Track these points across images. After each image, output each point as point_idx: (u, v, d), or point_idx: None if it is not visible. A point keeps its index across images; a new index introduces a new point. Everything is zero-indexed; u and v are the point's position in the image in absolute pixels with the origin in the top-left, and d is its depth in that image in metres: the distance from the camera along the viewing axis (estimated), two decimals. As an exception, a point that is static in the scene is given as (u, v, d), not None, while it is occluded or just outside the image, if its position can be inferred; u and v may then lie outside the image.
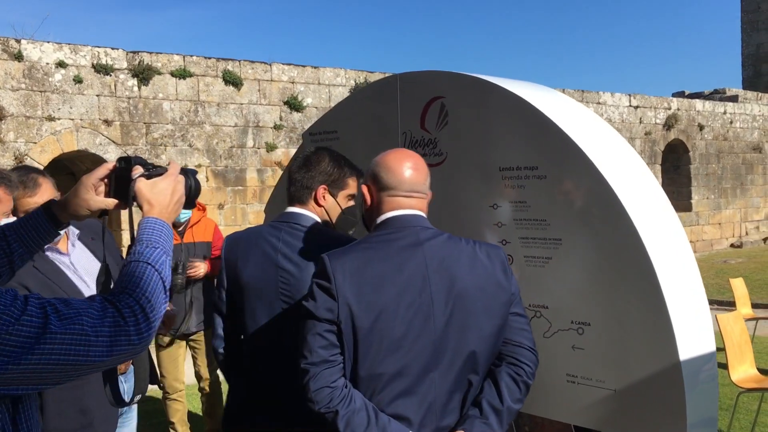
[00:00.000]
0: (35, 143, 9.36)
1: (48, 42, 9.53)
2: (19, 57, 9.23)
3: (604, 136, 2.64)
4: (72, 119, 9.64)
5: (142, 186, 1.55)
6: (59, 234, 1.70)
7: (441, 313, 1.84)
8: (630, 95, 16.85)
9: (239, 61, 11.10)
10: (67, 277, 2.55)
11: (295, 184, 2.44)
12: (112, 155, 9.83)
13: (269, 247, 2.33)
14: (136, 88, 10.14)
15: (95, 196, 1.61)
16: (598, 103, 16.10)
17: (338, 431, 1.76)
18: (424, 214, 1.99)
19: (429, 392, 1.84)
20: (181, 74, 10.45)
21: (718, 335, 4.93)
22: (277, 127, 11.38)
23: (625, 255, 2.35)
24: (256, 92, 11.21)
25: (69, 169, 10.97)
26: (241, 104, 11.06)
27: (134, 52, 10.19)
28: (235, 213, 11.13)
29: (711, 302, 11.66)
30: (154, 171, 1.59)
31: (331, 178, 2.44)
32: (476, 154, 2.77)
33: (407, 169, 1.98)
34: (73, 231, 2.71)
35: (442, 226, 2.89)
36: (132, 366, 2.70)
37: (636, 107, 16.88)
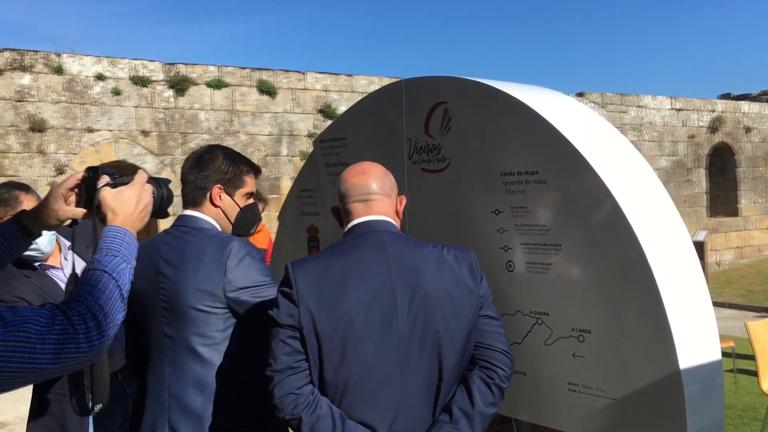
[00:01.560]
0: (75, 154, 9.61)
1: (87, 55, 9.79)
2: (59, 71, 9.49)
3: (607, 139, 2.59)
4: (111, 130, 9.87)
5: (107, 195, 1.57)
6: (31, 243, 1.73)
7: (404, 317, 1.83)
8: (672, 98, 16.51)
9: (273, 70, 11.23)
10: (62, 289, 2.59)
11: (188, 185, 2.29)
12: (149, 165, 10.03)
13: (155, 253, 2.21)
14: (172, 99, 10.33)
15: (64, 206, 1.64)
16: (639, 106, 15.81)
17: None
18: (389, 219, 1.98)
19: (396, 398, 1.82)
20: (217, 85, 10.61)
21: (749, 343, 4.78)
22: (311, 135, 11.46)
23: (624, 260, 2.30)
24: (290, 101, 11.32)
25: (109, 179, 11.23)
26: (276, 113, 11.18)
27: (171, 64, 10.40)
28: (269, 221, 11.24)
29: (759, 309, 11.24)
30: (119, 180, 1.61)
31: (227, 176, 2.30)
32: (478, 160, 2.74)
33: (354, 175, 2.01)
34: (64, 243, 2.74)
35: (445, 231, 2.88)
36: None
37: (679, 110, 16.53)
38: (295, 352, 1.80)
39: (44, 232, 1.88)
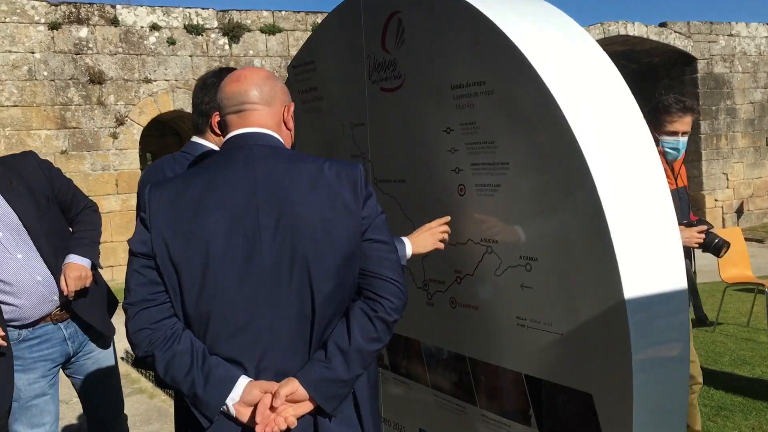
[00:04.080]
0: (134, 105, 9.78)
1: (141, 6, 9.89)
2: (115, 22, 9.62)
3: (571, 47, 2.25)
4: (167, 80, 9.97)
5: None
6: None
7: (269, 242, 1.62)
8: (769, 24, 15.17)
9: (328, 13, 10.98)
10: None
11: (194, 110, 2.22)
12: (206, 114, 10.10)
13: (162, 177, 2.13)
14: (227, 47, 10.31)
15: None
16: (730, 35, 14.62)
17: (159, 375, 1.61)
18: (267, 131, 1.75)
19: (264, 332, 1.62)
20: (271, 30, 10.50)
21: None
22: (369, 79, 11.23)
23: (569, 178, 2.01)
24: (347, 44, 11.08)
25: (174, 129, 11.42)
26: (332, 57, 10.98)
27: (224, 11, 10.35)
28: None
29: None
30: None
31: None
32: (430, 73, 2.47)
33: (229, 83, 1.78)
34: None
35: (404, 156, 2.63)
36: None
37: (776, 38, 15.17)
38: (151, 283, 1.63)
39: None
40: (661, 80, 14.78)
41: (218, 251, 1.61)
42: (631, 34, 13.82)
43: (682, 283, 2.01)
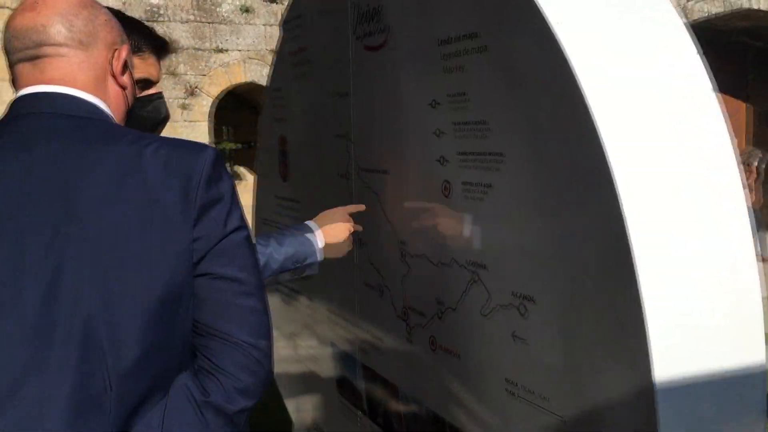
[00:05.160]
0: (204, 75, 9.45)
1: (216, -28, 9.49)
2: (187, -12, 9.29)
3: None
4: (240, 50, 9.57)
5: None
6: None
7: (35, 277, 0.99)
8: None
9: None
10: None
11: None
12: (279, 86, 9.65)
13: None
14: (303, 16, 9.80)
15: None
16: None
17: None
18: (73, 90, 1.12)
19: (31, 415, 1.01)
20: (350, -2, 9.91)
21: None
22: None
23: (583, 184, 1.29)
24: (431, 14, 10.35)
25: (250, 103, 11.05)
26: (414, 28, 10.28)
27: (301, -22, 9.83)
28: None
29: None
30: None
31: None
32: (416, 24, 1.79)
33: (20, 13, 1.15)
34: None
35: (389, 140, 1.97)
36: None
37: None
38: None
39: None
40: (789, 60, 13.18)
41: None
42: (757, 7, 12.33)
43: (759, 356, 1.26)
